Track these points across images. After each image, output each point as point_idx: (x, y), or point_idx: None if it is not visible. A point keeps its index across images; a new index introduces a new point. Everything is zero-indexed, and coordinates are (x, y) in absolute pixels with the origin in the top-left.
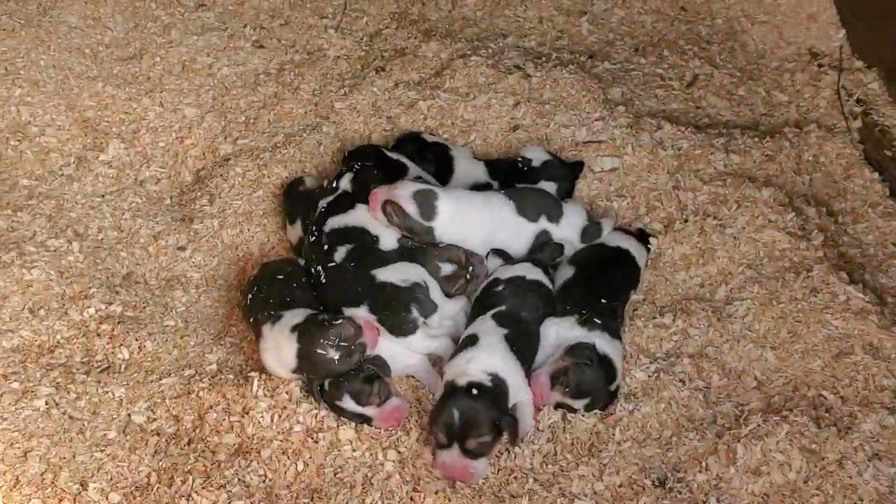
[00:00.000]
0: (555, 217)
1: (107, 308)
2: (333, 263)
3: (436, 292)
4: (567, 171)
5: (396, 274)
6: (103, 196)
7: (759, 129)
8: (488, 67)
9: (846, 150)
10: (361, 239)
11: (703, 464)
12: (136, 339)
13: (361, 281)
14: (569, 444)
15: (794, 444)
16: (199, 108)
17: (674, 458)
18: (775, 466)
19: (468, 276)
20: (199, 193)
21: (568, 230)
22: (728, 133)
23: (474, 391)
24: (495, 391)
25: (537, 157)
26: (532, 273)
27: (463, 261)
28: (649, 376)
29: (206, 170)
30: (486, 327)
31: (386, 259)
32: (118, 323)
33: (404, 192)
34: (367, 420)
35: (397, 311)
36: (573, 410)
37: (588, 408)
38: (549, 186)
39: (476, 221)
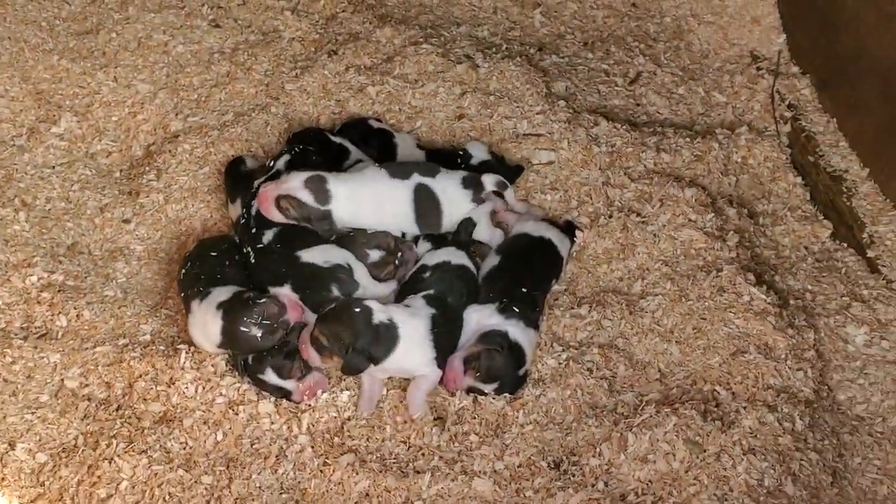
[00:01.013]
0: (429, 172)
1: (49, 276)
2: (261, 245)
3: (360, 273)
4: (505, 174)
5: (320, 255)
6: (53, 167)
7: (695, 128)
8: (438, 56)
9: (774, 153)
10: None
11: (598, 449)
12: (75, 308)
13: (286, 261)
14: (476, 426)
15: (680, 435)
16: (153, 85)
17: (572, 442)
18: (661, 455)
19: (397, 261)
20: (147, 168)
21: (445, 182)
22: (662, 132)
23: (357, 309)
24: (373, 327)
25: (478, 155)
26: (457, 258)
27: (391, 246)
28: (560, 363)
29: (156, 145)
30: (417, 304)
31: (312, 241)
32: (59, 291)
33: (296, 183)
34: (286, 394)
35: (318, 290)
36: (484, 394)
37: (497, 391)
38: None
39: (365, 197)
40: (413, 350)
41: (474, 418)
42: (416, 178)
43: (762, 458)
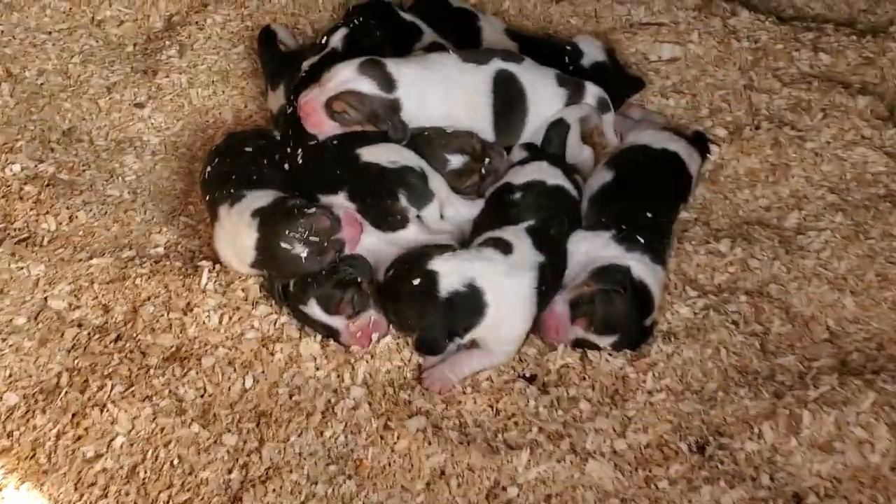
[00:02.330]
0: (512, 59)
1: (36, 167)
2: (314, 141)
3: (437, 183)
4: (621, 85)
5: (386, 153)
6: (49, 33)
7: (857, 27)
8: None
9: None
10: None
11: (756, 430)
12: (68, 208)
13: (343, 162)
14: (586, 391)
15: (882, 418)
16: None
17: (717, 417)
18: (853, 444)
19: (483, 170)
20: (167, 42)
21: (535, 72)
22: (818, 28)
23: (416, 280)
24: (440, 303)
25: (591, 53)
26: (552, 177)
27: (477, 150)
28: (696, 314)
29: (181, 15)
30: (522, 248)
31: (376, 137)
32: (48, 185)
33: (348, 72)
34: (334, 333)
35: (382, 198)
36: (596, 348)
37: (616, 346)
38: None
39: (432, 82)
40: (504, 322)
41: (584, 380)
42: (498, 64)
43: None
